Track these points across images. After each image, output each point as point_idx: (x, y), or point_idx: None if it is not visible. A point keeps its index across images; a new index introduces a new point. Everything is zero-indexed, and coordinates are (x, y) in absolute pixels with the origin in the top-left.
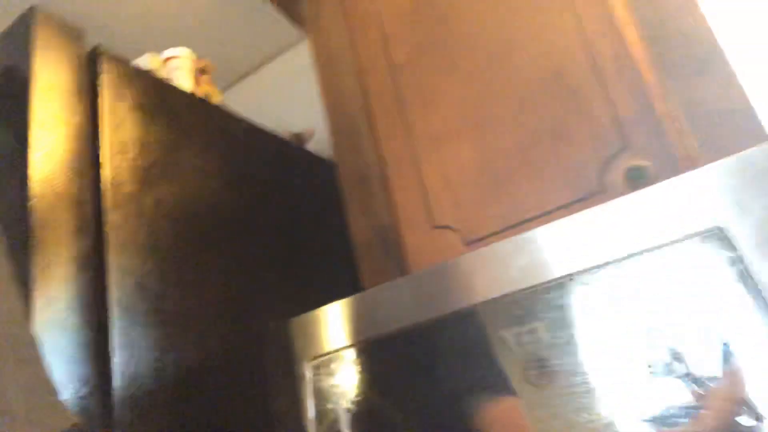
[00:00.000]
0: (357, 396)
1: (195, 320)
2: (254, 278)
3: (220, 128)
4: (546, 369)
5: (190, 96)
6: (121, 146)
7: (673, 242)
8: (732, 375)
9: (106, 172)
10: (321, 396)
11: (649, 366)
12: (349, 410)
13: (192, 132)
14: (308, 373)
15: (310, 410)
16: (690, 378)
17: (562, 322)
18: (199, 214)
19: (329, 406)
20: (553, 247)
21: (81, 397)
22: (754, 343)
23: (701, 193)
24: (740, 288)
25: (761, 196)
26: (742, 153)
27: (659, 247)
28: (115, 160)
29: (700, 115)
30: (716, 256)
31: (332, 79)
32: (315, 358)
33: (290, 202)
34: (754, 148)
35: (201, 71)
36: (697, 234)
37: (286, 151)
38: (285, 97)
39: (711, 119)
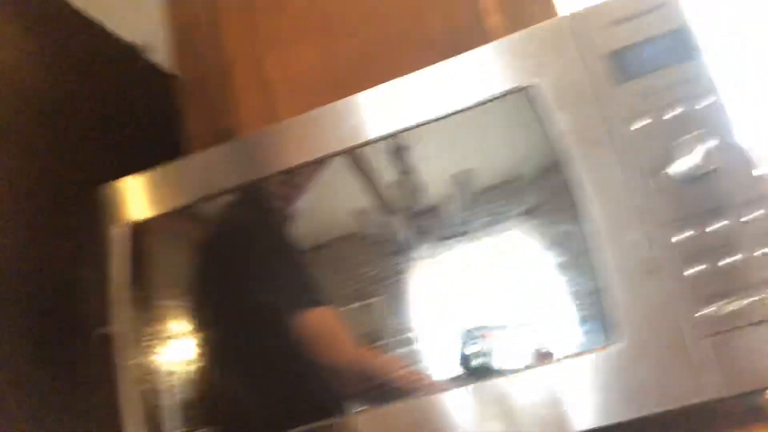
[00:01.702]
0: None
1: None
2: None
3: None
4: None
5: None
6: None
7: (485, 101)
8: None
9: None
10: (139, 265)
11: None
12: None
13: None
14: (126, 238)
15: (124, 276)
16: None
17: None
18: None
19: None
20: (373, 110)
21: None
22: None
23: (509, 58)
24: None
25: (557, 58)
26: (538, 25)
27: (473, 107)
28: None
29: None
30: (524, 111)
31: None
32: (135, 222)
33: (109, 97)
34: (546, 22)
35: None
36: (505, 93)
37: (111, 44)
38: (120, 8)
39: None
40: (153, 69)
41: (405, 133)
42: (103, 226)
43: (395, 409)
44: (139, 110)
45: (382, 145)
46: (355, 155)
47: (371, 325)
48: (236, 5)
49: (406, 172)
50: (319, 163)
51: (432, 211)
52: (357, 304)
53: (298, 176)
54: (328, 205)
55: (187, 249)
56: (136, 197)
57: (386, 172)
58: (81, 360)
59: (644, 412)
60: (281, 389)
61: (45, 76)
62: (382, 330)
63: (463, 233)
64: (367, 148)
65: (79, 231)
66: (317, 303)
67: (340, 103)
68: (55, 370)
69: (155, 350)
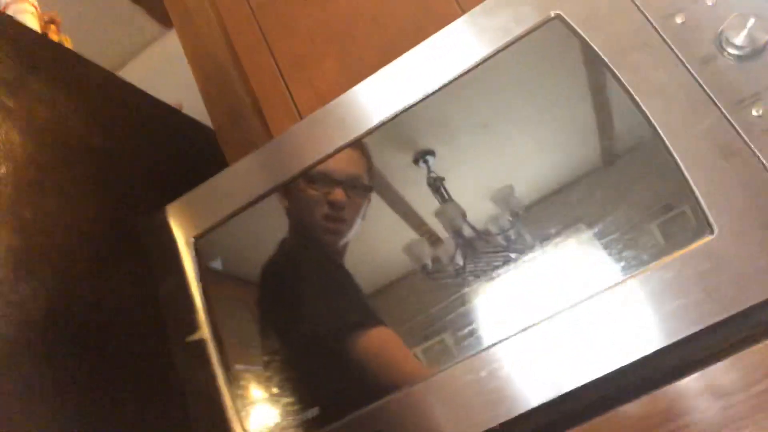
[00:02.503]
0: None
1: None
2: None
3: (72, 67)
4: None
5: (36, 32)
6: None
7: (520, 37)
8: None
9: None
10: (207, 278)
11: None
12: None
13: (40, 65)
14: (191, 252)
15: (197, 291)
16: None
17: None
18: (49, 144)
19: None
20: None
21: None
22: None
23: None
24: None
25: None
26: None
27: (510, 44)
28: None
29: None
30: (563, 39)
31: (194, 34)
32: (197, 236)
33: (154, 151)
34: None
35: (49, 22)
36: (541, 24)
37: (147, 104)
38: (151, 89)
39: None
40: (192, 124)
41: (439, 163)
42: (164, 246)
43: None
44: (184, 161)
45: (423, 176)
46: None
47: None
48: (251, 41)
49: (446, 200)
50: (363, 194)
51: (481, 234)
52: (427, 343)
53: (343, 211)
54: (380, 245)
55: (246, 274)
56: (193, 213)
57: (428, 204)
58: (180, 366)
59: (751, 302)
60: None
61: (94, 133)
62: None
63: (520, 251)
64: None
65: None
66: (375, 324)
67: (358, 88)
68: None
69: (236, 356)
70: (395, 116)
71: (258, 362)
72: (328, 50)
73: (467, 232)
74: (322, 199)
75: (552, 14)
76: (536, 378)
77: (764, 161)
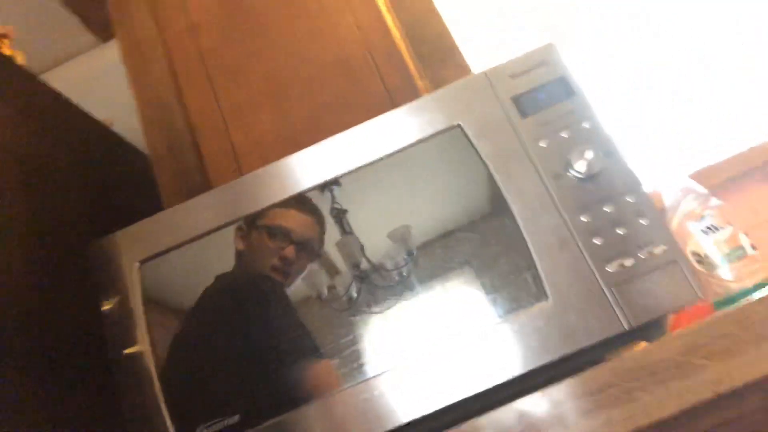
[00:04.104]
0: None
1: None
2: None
3: (19, 82)
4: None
5: None
6: None
7: (426, 138)
8: None
9: None
10: (148, 300)
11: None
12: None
13: None
14: (136, 275)
15: (139, 309)
16: None
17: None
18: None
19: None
20: (322, 159)
21: None
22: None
23: (441, 105)
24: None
25: (479, 102)
26: (464, 78)
27: (414, 144)
28: None
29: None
30: (459, 145)
31: (141, 66)
32: (143, 260)
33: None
34: (470, 76)
35: (2, 36)
36: (441, 131)
37: (77, 117)
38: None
39: None
40: (123, 143)
41: (344, 194)
42: (111, 268)
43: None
44: (112, 178)
45: (328, 204)
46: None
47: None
48: (197, 82)
49: (347, 233)
50: (310, 257)
51: (376, 268)
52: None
53: (291, 267)
54: None
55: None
56: (141, 241)
57: (330, 235)
58: (118, 379)
59: (576, 347)
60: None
61: (27, 143)
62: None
63: (408, 288)
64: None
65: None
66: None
67: (294, 157)
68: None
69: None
70: (320, 186)
71: (188, 374)
72: (265, 102)
73: (363, 265)
74: (276, 252)
75: (455, 123)
76: (410, 399)
77: (585, 254)
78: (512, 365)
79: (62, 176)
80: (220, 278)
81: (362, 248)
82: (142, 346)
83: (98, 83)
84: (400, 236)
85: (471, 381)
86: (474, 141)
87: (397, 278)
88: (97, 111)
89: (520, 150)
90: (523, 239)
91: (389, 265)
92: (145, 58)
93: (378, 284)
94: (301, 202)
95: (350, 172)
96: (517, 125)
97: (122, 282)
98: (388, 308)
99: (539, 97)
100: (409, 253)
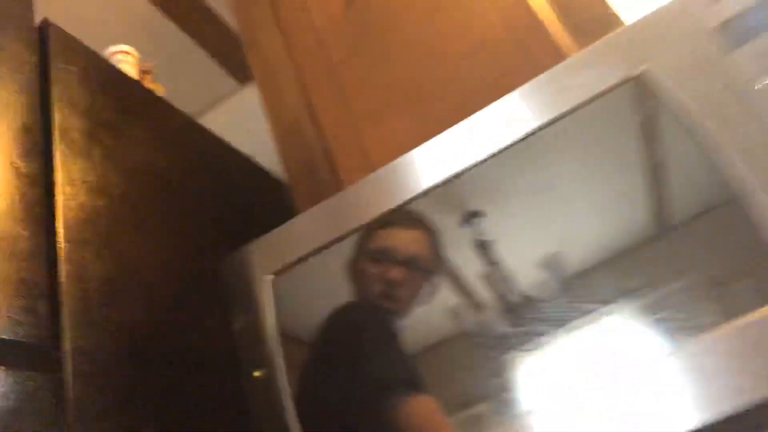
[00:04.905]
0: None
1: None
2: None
3: (160, 112)
4: None
5: (133, 79)
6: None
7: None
8: None
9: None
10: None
11: None
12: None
13: (137, 111)
14: (268, 289)
15: (271, 327)
16: None
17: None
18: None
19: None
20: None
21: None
22: None
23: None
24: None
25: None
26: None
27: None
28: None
29: None
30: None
31: (273, 88)
32: (276, 273)
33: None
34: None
35: (145, 72)
36: (621, 83)
37: (224, 151)
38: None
39: None
40: (263, 173)
41: (487, 224)
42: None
43: None
44: (253, 208)
45: (469, 238)
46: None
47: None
48: (329, 97)
49: (492, 263)
50: (424, 276)
51: (525, 301)
52: (465, 412)
53: (400, 290)
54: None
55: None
56: (270, 254)
57: (473, 266)
58: (249, 398)
59: None
60: None
61: (174, 174)
62: None
63: (561, 323)
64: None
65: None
66: (419, 391)
67: (427, 145)
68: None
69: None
70: (464, 172)
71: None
72: (402, 107)
73: (514, 297)
74: (381, 277)
75: (637, 71)
76: None
77: None
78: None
79: (199, 198)
80: (339, 310)
81: (509, 280)
82: (272, 368)
83: (243, 123)
84: (551, 264)
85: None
86: (665, 92)
87: (550, 311)
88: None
89: (732, 95)
90: (749, 220)
91: (540, 296)
92: (276, 80)
93: (529, 317)
94: (404, 217)
95: (497, 154)
96: (725, 61)
97: (254, 297)
98: (543, 344)
99: (755, 20)
100: (561, 283)
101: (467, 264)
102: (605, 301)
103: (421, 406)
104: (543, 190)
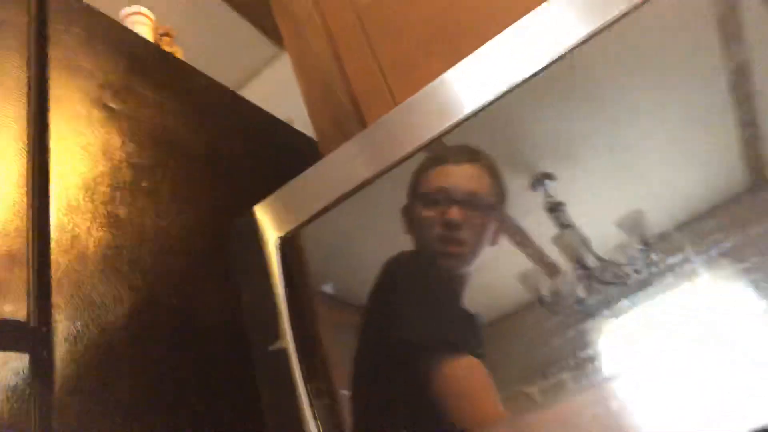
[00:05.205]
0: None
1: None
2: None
3: (178, 75)
4: None
5: (147, 41)
6: (73, 71)
7: None
8: None
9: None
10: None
11: None
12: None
13: (148, 72)
14: (277, 255)
15: (281, 296)
16: None
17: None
18: (159, 142)
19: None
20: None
21: None
22: None
23: None
24: None
25: None
26: None
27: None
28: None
29: None
30: None
31: (301, 45)
32: (283, 237)
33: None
34: None
35: (163, 34)
36: None
37: (251, 113)
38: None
39: None
40: (299, 136)
41: (558, 185)
42: (250, 249)
43: None
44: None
45: (540, 201)
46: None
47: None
48: (356, 44)
49: (566, 226)
50: (486, 213)
51: (606, 264)
52: (546, 381)
53: (461, 232)
54: (491, 273)
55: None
56: (281, 213)
57: (545, 230)
58: (259, 376)
59: None
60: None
61: (195, 139)
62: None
63: (642, 285)
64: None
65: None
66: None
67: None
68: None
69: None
70: (503, 95)
71: (341, 380)
72: (434, 50)
73: (590, 261)
74: (439, 220)
75: None
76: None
77: None
78: None
79: (231, 173)
80: (391, 265)
81: (587, 242)
82: (285, 341)
83: (284, 88)
84: (632, 224)
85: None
86: None
87: (632, 275)
88: (281, 114)
89: None
90: None
91: (621, 259)
92: (304, 36)
93: (609, 282)
94: (456, 152)
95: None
96: None
97: (261, 264)
98: (623, 308)
99: None
100: (645, 244)
101: (540, 228)
102: (689, 261)
103: (465, 369)
104: (618, 145)
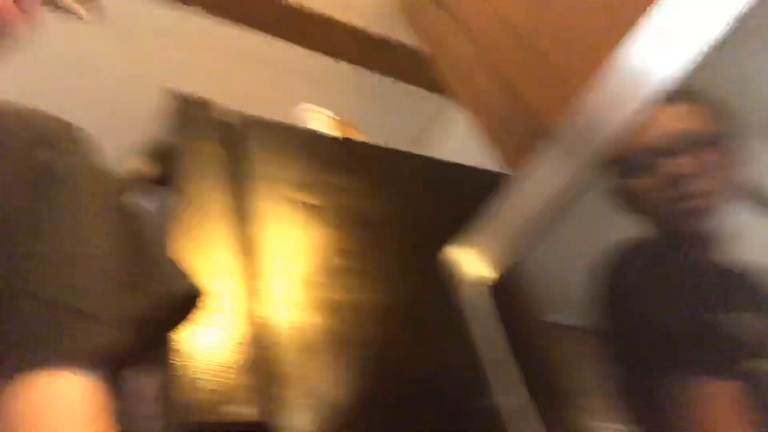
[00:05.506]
0: None
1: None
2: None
3: (364, 156)
4: None
5: (326, 134)
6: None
7: None
8: None
9: None
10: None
11: None
12: None
13: (334, 161)
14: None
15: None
16: None
17: None
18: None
19: None
20: None
21: None
22: None
23: None
24: None
25: None
26: None
27: None
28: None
29: None
30: None
31: (466, 82)
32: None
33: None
34: None
35: (346, 126)
36: None
37: (445, 169)
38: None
39: None
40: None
41: None
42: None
43: None
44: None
45: None
46: None
47: None
48: (524, 64)
49: None
50: (718, 148)
51: None
52: None
53: (696, 181)
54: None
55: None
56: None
57: None
58: None
59: None
60: None
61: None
62: None
63: None
64: None
65: None
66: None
67: None
68: None
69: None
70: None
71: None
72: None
73: None
74: (664, 179)
75: None
76: None
77: None
78: None
79: (429, 221)
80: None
81: None
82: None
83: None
84: None
85: None
86: None
87: None
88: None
89: None
90: None
91: None
92: (467, 73)
93: None
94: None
95: None
96: None
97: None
98: None
99: None
100: None
101: None
102: None
103: (720, 396)
104: None
